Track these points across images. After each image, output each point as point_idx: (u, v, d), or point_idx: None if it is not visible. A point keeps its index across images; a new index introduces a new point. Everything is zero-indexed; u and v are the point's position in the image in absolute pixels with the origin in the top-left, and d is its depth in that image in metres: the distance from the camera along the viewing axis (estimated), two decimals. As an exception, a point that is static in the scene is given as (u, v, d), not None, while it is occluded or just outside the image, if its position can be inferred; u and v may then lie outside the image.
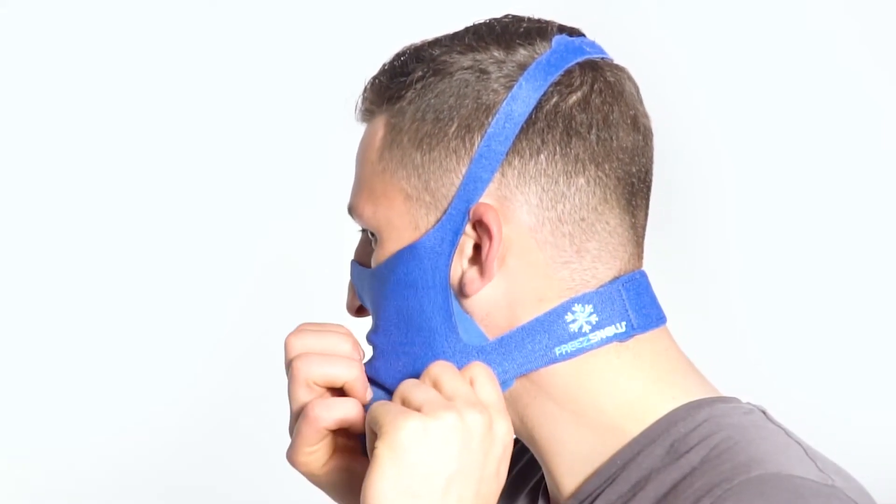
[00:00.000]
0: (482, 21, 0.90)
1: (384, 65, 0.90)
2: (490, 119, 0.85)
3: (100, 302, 2.24)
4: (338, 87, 2.17)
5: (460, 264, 0.86)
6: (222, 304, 2.25)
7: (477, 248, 0.86)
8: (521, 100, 0.85)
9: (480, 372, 0.84)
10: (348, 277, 0.93)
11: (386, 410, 0.81)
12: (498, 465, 0.82)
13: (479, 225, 0.85)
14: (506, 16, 0.90)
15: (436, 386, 0.83)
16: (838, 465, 0.83)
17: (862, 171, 2.28)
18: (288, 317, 2.24)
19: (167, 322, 2.24)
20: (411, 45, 0.90)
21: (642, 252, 0.90)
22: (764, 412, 0.87)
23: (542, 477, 0.95)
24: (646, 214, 0.90)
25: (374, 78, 0.90)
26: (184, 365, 2.24)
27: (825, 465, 0.81)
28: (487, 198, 0.85)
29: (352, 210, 0.90)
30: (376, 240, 0.89)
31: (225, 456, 2.21)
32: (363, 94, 0.91)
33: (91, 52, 2.25)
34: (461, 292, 0.86)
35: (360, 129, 0.93)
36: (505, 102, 0.85)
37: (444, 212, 0.86)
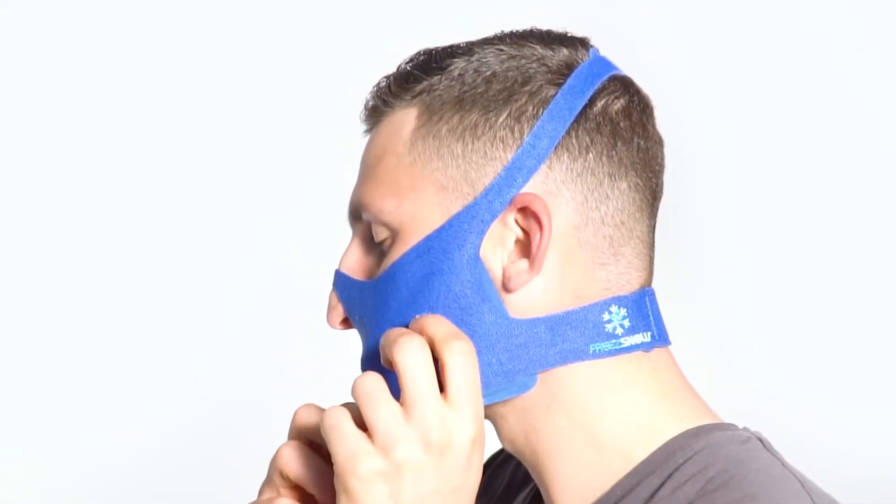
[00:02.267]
0: (510, 30, 0.91)
1: (405, 62, 0.89)
2: (542, 111, 0.85)
3: (99, 304, 2.23)
4: (339, 88, 2.18)
5: (500, 259, 0.85)
6: (222, 306, 2.24)
7: (518, 243, 0.85)
8: (573, 96, 0.85)
9: (458, 361, 0.80)
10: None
11: (339, 439, 0.79)
12: (463, 476, 0.80)
13: (525, 215, 0.84)
14: (532, 27, 0.91)
15: (400, 385, 0.79)
16: (834, 499, 0.83)
17: (868, 186, 2.27)
18: (288, 319, 2.25)
19: (167, 323, 2.24)
20: (433, 47, 0.89)
21: (653, 272, 0.90)
22: (761, 440, 0.86)
23: (533, 491, 0.94)
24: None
25: (395, 73, 0.89)
26: (184, 366, 2.23)
27: (821, 499, 0.81)
28: (532, 189, 0.84)
29: (362, 207, 0.88)
30: (393, 238, 0.86)
31: (224, 457, 2.21)
32: (378, 90, 0.89)
33: (92, 55, 2.25)
34: (504, 287, 0.84)
35: (360, 129, 0.92)
36: (559, 95, 0.85)
37: (479, 194, 0.84)
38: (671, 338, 0.88)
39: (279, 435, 2.39)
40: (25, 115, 2.24)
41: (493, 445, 0.92)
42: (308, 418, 0.86)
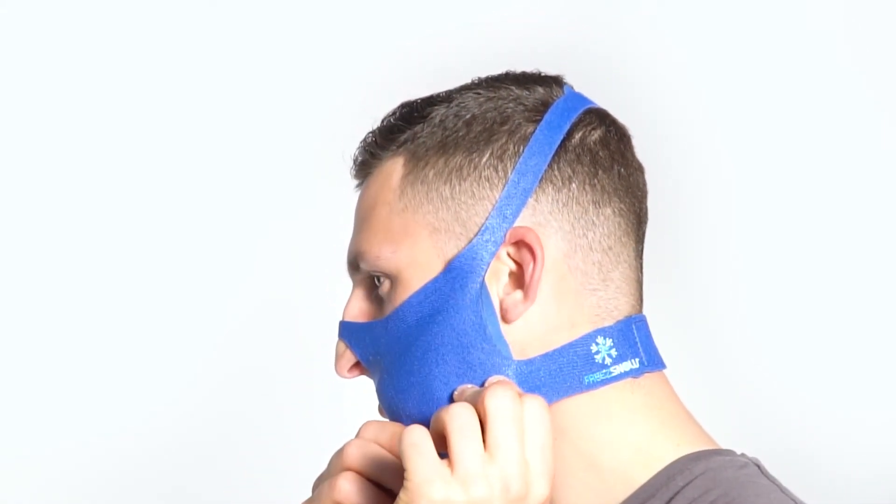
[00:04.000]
0: (485, 76, 0.93)
1: (388, 115, 0.93)
2: (523, 148, 0.88)
3: (99, 304, 2.22)
4: (340, 99, 2.19)
5: (497, 292, 0.88)
6: (223, 307, 2.24)
7: (511, 275, 0.87)
8: (551, 130, 0.89)
9: (536, 418, 0.81)
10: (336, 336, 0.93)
11: (419, 458, 0.79)
12: None
13: (520, 247, 0.87)
14: (507, 70, 0.94)
15: (483, 429, 0.80)
16: None
17: (872, 200, 2.27)
18: (290, 319, 2.25)
19: (168, 324, 2.23)
20: (413, 99, 0.93)
21: (643, 296, 0.93)
22: (758, 465, 0.88)
23: None
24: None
25: (380, 127, 0.93)
26: (184, 367, 2.23)
27: None
28: (523, 222, 0.87)
29: (361, 256, 0.91)
30: (393, 284, 0.89)
31: (224, 458, 2.21)
32: (364, 144, 0.93)
33: (93, 57, 2.25)
34: (503, 318, 0.87)
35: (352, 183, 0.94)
36: (538, 131, 0.88)
37: (476, 234, 0.87)
38: (669, 358, 0.91)
39: (279, 435, 2.38)
40: (24, 116, 2.24)
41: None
42: (362, 461, 0.87)
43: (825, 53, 2.26)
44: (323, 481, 0.89)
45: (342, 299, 0.96)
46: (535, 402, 0.81)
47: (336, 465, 0.88)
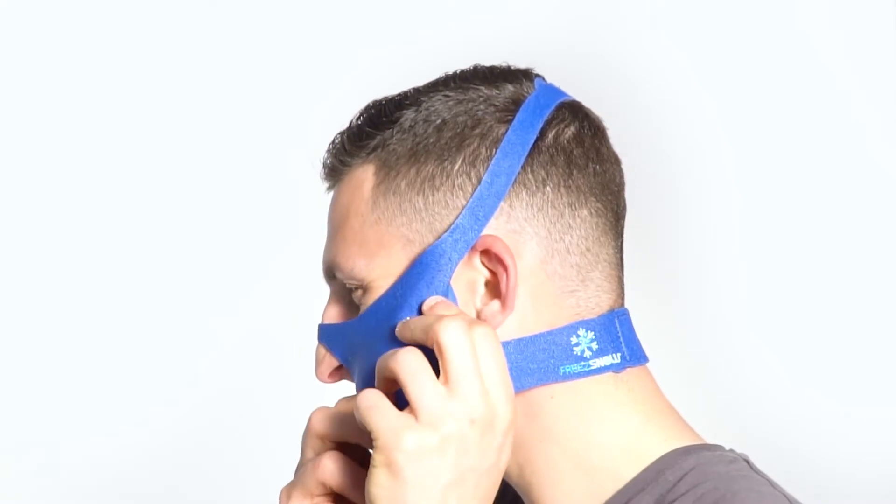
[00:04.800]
0: (453, 71, 0.91)
1: (355, 118, 0.91)
2: (495, 151, 0.86)
3: (99, 305, 2.23)
4: (338, 112, 2.18)
5: (473, 304, 0.86)
6: (226, 308, 2.24)
7: (487, 285, 0.86)
8: (524, 130, 0.87)
9: (486, 340, 0.81)
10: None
11: (380, 417, 0.80)
12: (498, 455, 0.82)
13: (489, 257, 0.85)
14: (476, 65, 0.91)
15: (441, 366, 0.80)
16: None
17: (869, 207, 2.27)
18: (291, 321, 2.24)
19: (169, 324, 2.24)
20: (381, 99, 0.90)
21: (624, 290, 0.91)
22: (747, 461, 0.88)
23: None
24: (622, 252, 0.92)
25: (348, 130, 0.90)
26: (185, 368, 2.23)
27: None
28: (496, 231, 0.86)
29: (334, 268, 0.89)
30: (365, 291, 0.88)
31: (225, 460, 2.21)
32: (333, 149, 0.91)
33: (93, 57, 2.25)
34: None
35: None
36: (509, 133, 0.86)
37: (444, 231, 0.86)
38: (656, 352, 0.90)
39: (280, 436, 2.39)
40: (24, 116, 2.24)
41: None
42: (325, 423, 0.87)
43: (825, 53, 2.26)
44: (302, 465, 0.89)
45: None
46: (484, 330, 0.81)
47: (308, 441, 0.88)
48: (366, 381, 0.88)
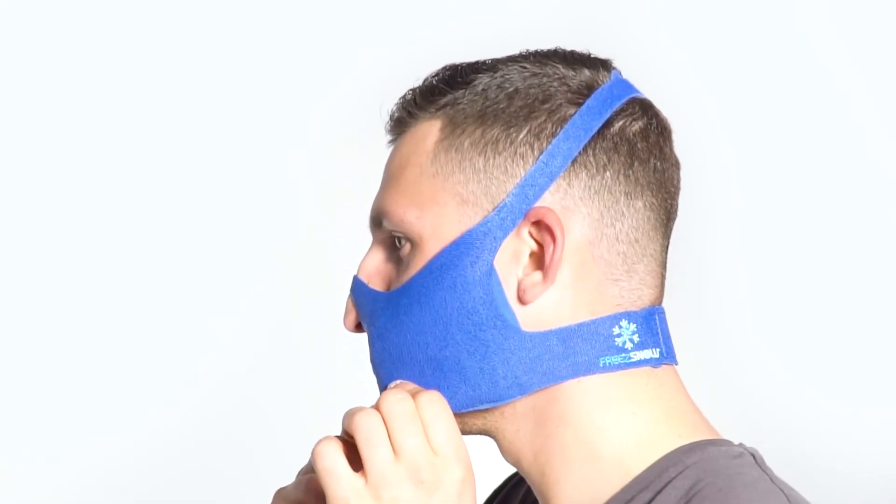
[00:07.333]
0: (537, 49, 0.92)
1: (430, 76, 0.91)
2: (560, 129, 0.87)
3: (99, 305, 2.22)
4: (352, 98, 2.18)
5: (516, 273, 0.86)
6: (224, 309, 2.24)
7: (532, 256, 0.86)
8: (591, 116, 0.87)
9: (433, 411, 0.83)
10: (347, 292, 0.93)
11: (335, 483, 0.81)
12: None
13: (539, 228, 0.86)
14: (557, 47, 0.92)
15: (389, 435, 0.82)
16: None
17: (879, 207, 2.27)
18: (293, 320, 2.24)
19: (169, 325, 2.23)
20: (458, 63, 0.91)
21: (664, 292, 0.92)
22: (754, 455, 0.87)
23: None
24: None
25: (421, 86, 0.91)
26: (185, 368, 2.23)
27: None
28: (550, 205, 0.86)
29: (384, 215, 0.89)
30: (413, 248, 0.88)
31: (225, 460, 2.21)
32: (403, 102, 0.91)
33: (93, 58, 2.25)
34: (520, 299, 0.86)
35: (383, 139, 0.93)
36: (577, 115, 0.87)
37: (492, 210, 0.86)
38: (678, 356, 0.90)
39: (280, 436, 2.38)
40: (24, 117, 2.24)
41: (496, 460, 0.92)
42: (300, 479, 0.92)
43: (825, 53, 2.26)
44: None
45: (335, 306, 0.95)
46: (428, 395, 0.83)
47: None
48: (380, 355, 0.89)
